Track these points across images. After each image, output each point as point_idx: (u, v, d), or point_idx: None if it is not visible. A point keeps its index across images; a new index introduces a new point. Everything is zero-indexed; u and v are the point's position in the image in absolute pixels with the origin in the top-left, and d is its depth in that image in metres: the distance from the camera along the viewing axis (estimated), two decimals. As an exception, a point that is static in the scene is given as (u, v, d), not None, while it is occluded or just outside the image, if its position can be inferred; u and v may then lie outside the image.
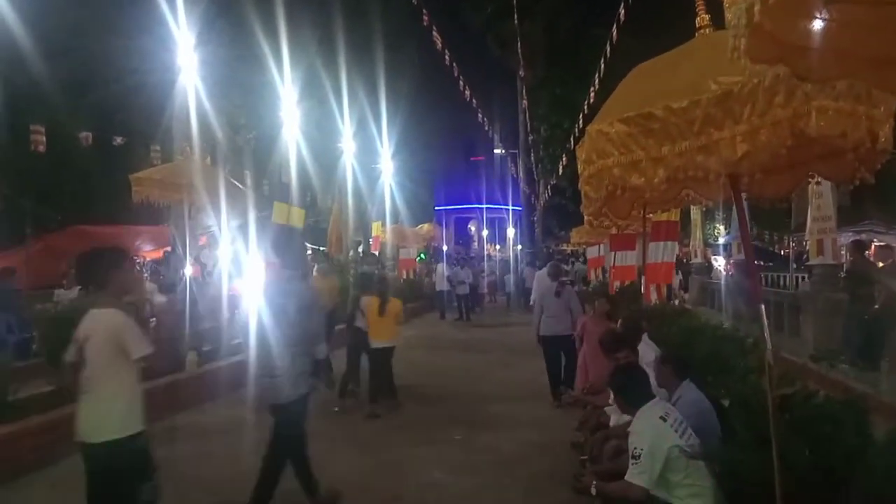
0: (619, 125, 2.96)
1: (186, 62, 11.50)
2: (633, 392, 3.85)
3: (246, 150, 17.50)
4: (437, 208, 36.35)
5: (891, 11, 1.85)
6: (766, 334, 3.17)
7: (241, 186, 11.57)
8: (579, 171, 3.29)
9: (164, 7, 11.15)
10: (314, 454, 5.10)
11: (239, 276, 12.02)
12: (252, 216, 12.27)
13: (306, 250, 5.51)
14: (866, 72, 2.01)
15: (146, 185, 9.78)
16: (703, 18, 3.43)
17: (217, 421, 7.38)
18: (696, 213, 16.23)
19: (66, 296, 10.86)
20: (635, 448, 3.55)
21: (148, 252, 15.58)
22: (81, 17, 14.23)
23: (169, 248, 13.41)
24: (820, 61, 1.89)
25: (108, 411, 3.44)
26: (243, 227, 12.77)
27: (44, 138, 10.52)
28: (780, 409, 3.57)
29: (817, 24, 1.85)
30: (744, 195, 4.07)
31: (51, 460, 5.78)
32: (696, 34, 3.44)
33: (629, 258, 11.01)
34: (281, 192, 15.19)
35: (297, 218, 10.37)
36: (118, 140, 11.95)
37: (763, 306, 3.28)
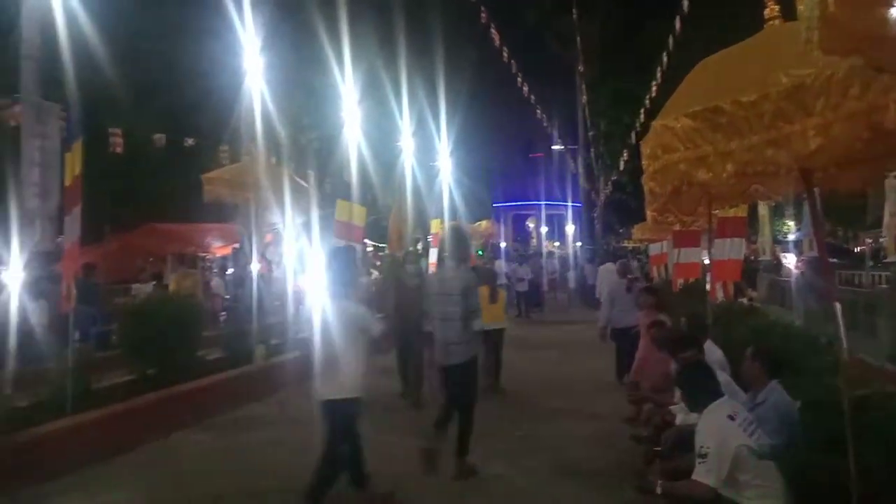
0: (686, 120, 2.92)
1: (252, 65, 11.89)
2: (700, 390, 3.80)
3: (309, 150, 17.92)
4: (495, 205, 36.23)
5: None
6: (842, 334, 3.08)
7: (304, 184, 11.87)
8: (643, 167, 3.26)
9: (232, 12, 11.57)
10: (379, 445, 5.23)
11: (303, 273, 12.34)
12: (315, 214, 12.58)
13: (468, 247, 6.08)
14: (948, 61, 1.94)
15: (217, 185, 10.16)
16: (772, 9, 3.35)
17: (282, 413, 7.62)
18: (764, 209, 15.69)
19: (143, 290, 11.43)
20: (702, 447, 3.51)
21: (217, 248, 16.18)
22: (154, 24, 14.91)
23: (237, 245, 13.89)
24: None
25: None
26: (307, 225, 13.10)
27: (121, 140, 11.06)
28: (856, 411, 3.47)
29: (894, 13, 1.80)
30: (816, 190, 3.95)
31: (130, 447, 6.12)
32: (765, 25, 3.36)
33: (693, 255, 10.75)
34: (343, 190, 15.49)
35: (359, 215, 10.56)
36: (189, 141, 12.46)
37: (838, 305, 3.18)
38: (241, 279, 10.86)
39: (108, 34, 11.66)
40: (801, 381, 4.42)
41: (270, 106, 13.12)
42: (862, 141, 2.61)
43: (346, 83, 15.42)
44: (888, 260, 12.06)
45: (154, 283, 12.07)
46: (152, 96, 16.07)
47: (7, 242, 6.70)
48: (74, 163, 6.40)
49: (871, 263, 16.84)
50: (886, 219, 10.53)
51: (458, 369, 5.45)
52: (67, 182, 6.44)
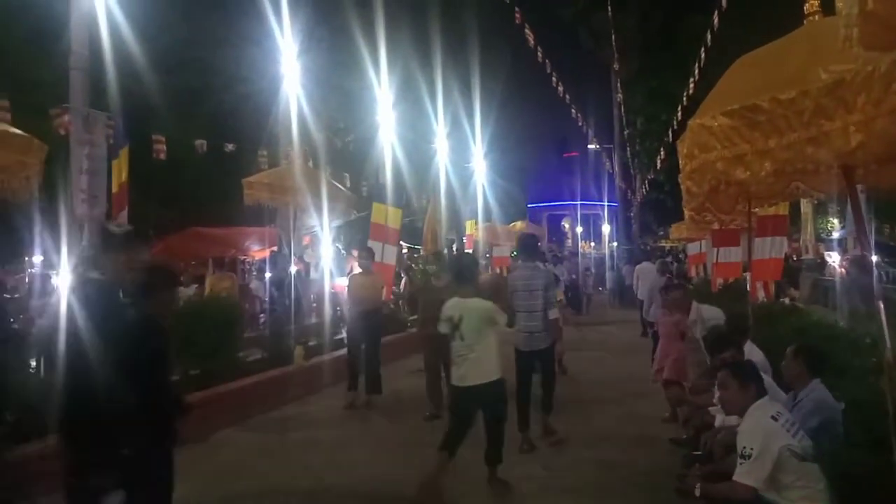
0: (723, 118, 2.90)
1: (289, 70, 12.11)
2: (741, 391, 3.75)
3: (345, 153, 18.12)
4: (529, 206, 36.13)
5: None
6: (885, 333, 3.02)
7: (342, 188, 12.02)
8: (680, 167, 3.25)
9: (270, 18, 11.80)
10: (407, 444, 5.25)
11: (340, 275, 12.51)
12: (352, 216, 12.73)
13: (538, 249, 6.96)
14: None
15: (257, 189, 10.36)
16: (811, 4, 3.31)
17: (322, 412, 7.75)
18: (806, 207, 15.31)
19: (185, 293, 11.70)
20: (745, 447, 3.47)
21: (256, 252, 16.48)
22: (193, 31, 15.23)
23: (276, 248, 14.13)
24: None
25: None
26: (344, 227, 13.28)
27: (164, 147, 11.35)
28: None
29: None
30: (859, 187, 3.85)
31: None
32: (805, 21, 3.30)
33: (733, 254, 10.58)
34: (378, 193, 15.63)
35: (394, 218, 10.68)
36: (229, 147, 12.71)
37: (882, 304, 3.12)
38: (280, 281, 11.05)
39: (151, 43, 11.98)
40: (845, 382, 4.33)
41: (307, 110, 13.35)
42: (906, 137, 2.55)
43: (382, 86, 15.58)
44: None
45: (196, 286, 12.35)
46: (194, 103, 16.43)
47: (58, 247, 6.94)
48: (121, 169, 6.62)
49: (922, 261, 16.29)
50: (936, 215, 10.19)
51: (541, 355, 6.39)
52: (114, 188, 6.67)
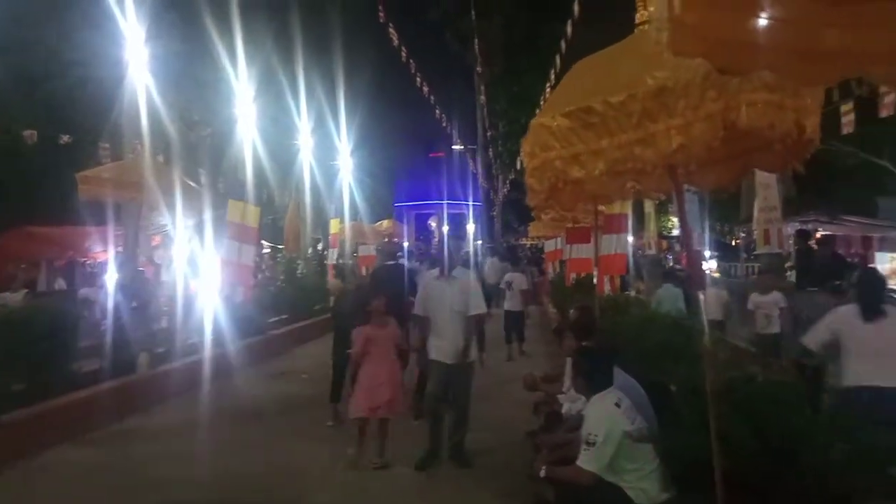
0: (561, 119, 3.03)
1: (135, 56, 11.23)
2: (596, 376, 3.92)
3: (200, 148, 17.14)
4: (396, 204, 36.23)
5: (808, 6, 1.94)
6: (704, 321, 3.29)
7: (194, 185, 11.39)
8: (524, 165, 3.35)
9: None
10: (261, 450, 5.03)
11: (195, 276, 11.81)
12: (208, 215, 12.07)
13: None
14: (786, 65, 2.10)
15: (95, 184, 9.56)
16: (642, 14, 3.52)
17: (169, 423, 7.27)
18: (649, 206, 16.54)
19: (13, 299, 10.51)
20: (590, 434, 3.63)
21: (99, 253, 15.19)
22: (17, 9, 13.67)
23: (120, 249, 13.10)
24: (740, 55, 1.97)
25: None
26: (199, 226, 12.55)
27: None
28: (726, 392, 3.71)
29: (737, 19, 1.93)
30: (690, 188, 4.20)
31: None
32: (636, 29, 3.52)
33: (584, 251, 11.17)
34: (237, 190, 14.94)
35: (252, 216, 10.24)
36: (64, 138, 11.57)
37: (702, 294, 3.39)
38: (125, 285, 10.23)
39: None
40: (679, 367, 4.68)
41: (158, 100, 12.45)
42: (719, 140, 2.78)
43: (240, 78, 14.89)
44: (758, 252, 13.03)
45: (26, 291, 11.15)
46: (22, 89, 14.80)
47: None
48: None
49: (744, 255, 18.19)
50: (756, 213, 11.35)
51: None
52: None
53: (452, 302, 5.72)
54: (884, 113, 9.85)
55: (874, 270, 6.77)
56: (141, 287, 9.59)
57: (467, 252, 17.75)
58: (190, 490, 5.26)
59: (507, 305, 11.97)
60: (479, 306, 5.86)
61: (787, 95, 2.69)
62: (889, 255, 18.25)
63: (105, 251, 14.40)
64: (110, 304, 9.00)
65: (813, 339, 4.55)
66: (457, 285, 5.81)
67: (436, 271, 6.08)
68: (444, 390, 5.72)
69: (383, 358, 5.58)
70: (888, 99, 9.61)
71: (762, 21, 1.94)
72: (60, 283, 12.55)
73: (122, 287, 9.99)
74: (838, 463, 2.91)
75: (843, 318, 4.44)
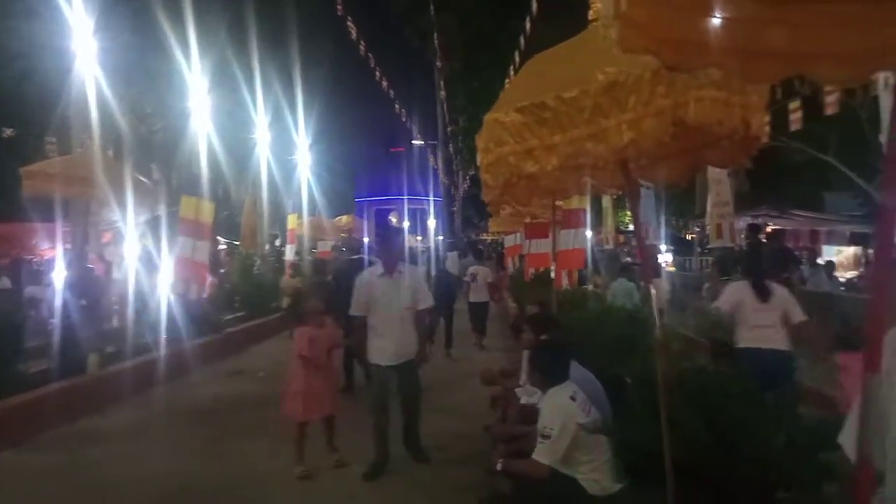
0: (515, 114, 3.03)
1: (83, 47, 10.85)
2: (552, 370, 3.95)
3: (153, 142, 16.68)
4: (357, 200, 36.00)
5: (753, 5, 1.97)
6: (655, 313, 3.34)
7: (146, 181, 11.11)
8: (478, 160, 3.35)
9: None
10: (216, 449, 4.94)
11: (148, 274, 11.53)
12: (161, 210, 11.79)
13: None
14: (732, 63, 2.13)
15: (40, 179, 9.24)
16: (594, 10, 3.55)
17: (122, 424, 7.08)
18: (607, 202, 16.80)
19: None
20: (545, 427, 3.66)
21: (46, 250, 14.69)
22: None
23: (69, 246, 12.69)
24: (687, 52, 2.00)
25: None
26: (152, 223, 12.24)
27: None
28: (678, 384, 3.78)
29: (684, 17, 1.96)
30: (647, 184, 4.26)
31: None
32: (589, 25, 3.55)
33: (543, 246, 11.27)
34: (191, 185, 14.58)
35: (207, 212, 10.03)
36: (8, 132, 11.12)
37: (653, 287, 3.45)
38: (74, 283, 9.92)
39: None
40: (633, 359, 4.76)
41: (108, 93, 12.07)
42: (669, 135, 2.82)
43: (194, 70, 14.52)
44: (711, 246, 13.36)
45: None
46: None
47: None
48: None
49: (698, 250, 18.61)
50: (709, 209, 11.64)
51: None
52: None
53: (401, 300, 5.42)
54: (829, 111, 10.19)
55: (757, 251, 8.34)
56: (90, 285, 9.32)
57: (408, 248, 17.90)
58: (144, 493, 5.14)
59: (472, 297, 12.17)
60: (427, 300, 5.64)
61: (733, 93, 2.75)
62: (835, 248, 18.96)
63: (53, 248, 13.94)
64: (58, 302, 8.73)
65: (722, 304, 5.72)
66: (404, 282, 5.48)
67: (378, 268, 5.61)
68: (387, 396, 5.46)
69: (321, 360, 5.35)
70: (832, 98, 9.95)
71: (708, 19, 1.97)
72: (5, 282, 12.09)
73: (70, 285, 9.70)
74: (779, 451, 3.00)
75: (741, 293, 5.61)
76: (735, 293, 5.65)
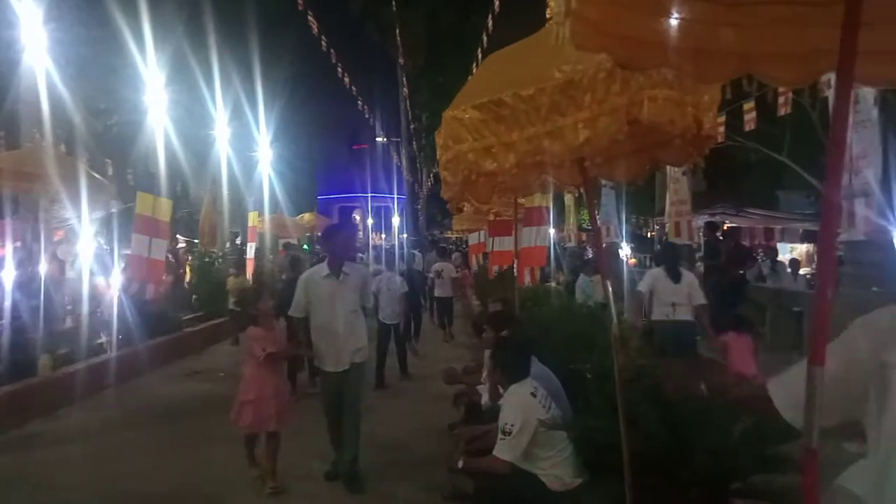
0: (473, 111, 3.03)
1: (33, 39, 10.50)
2: (513, 367, 3.97)
3: (107, 137, 16.24)
4: (319, 197, 35.67)
5: (705, 5, 2.00)
6: (612, 307, 3.39)
7: (99, 177, 10.81)
8: (438, 157, 3.34)
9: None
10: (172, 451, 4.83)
11: (102, 272, 11.24)
12: (115, 207, 11.49)
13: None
14: (683, 62, 2.17)
15: (-13, 175, 8.89)
16: (552, 8, 3.56)
17: (75, 427, 6.89)
18: (569, 199, 16.97)
19: None
20: (506, 423, 3.68)
21: (-5, 249, 14.17)
22: None
23: (18, 244, 12.29)
24: (639, 51, 2.02)
25: None
26: (106, 220, 11.94)
27: None
28: (636, 379, 3.84)
29: (636, 16, 1.98)
30: (608, 182, 4.28)
31: None
32: (547, 24, 3.56)
33: (506, 243, 11.32)
34: (148, 182, 14.27)
35: (164, 209, 9.82)
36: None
37: (609, 283, 3.49)
38: (24, 282, 9.61)
39: None
40: (592, 354, 4.82)
41: (60, 87, 11.71)
42: (624, 134, 2.86)
43: (150, 65, 14.17)
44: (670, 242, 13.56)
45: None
46: None
47: None
48: None
49: (658, 247, 18.93)
50: (667, 207, 11.84)
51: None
52: None
53: (346, 302, 5.04)
54: (782, 111, 10.47)
55: (674, 245, 9.42)
56: (49, 285, 9.04)
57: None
58: (98, 498, 5.01)
59: (437, 293, 12.48)
60: (367, 298, 5.42)
61: (685, 92, 2.78)
62: (789, 245, 19.50)
63: (2, 246, 13.47)
64: (7, 302, 8.47)
65: (643, 286, 7.14)
66: (349, 283, 5.08)
67: (322, 268, 5.19)
68: (339, 400, 5.12)
69: (271, 365, 5.02)
70: (783, 99, 10.24)
71: (660, 18, 1.99)
72: (-50, 282, 11.66)
73: (20, 284, 9.40)
74: (732, 443, 3.07)
75: (658, 277, 7.05)
76: (652, 278, 7.08)
